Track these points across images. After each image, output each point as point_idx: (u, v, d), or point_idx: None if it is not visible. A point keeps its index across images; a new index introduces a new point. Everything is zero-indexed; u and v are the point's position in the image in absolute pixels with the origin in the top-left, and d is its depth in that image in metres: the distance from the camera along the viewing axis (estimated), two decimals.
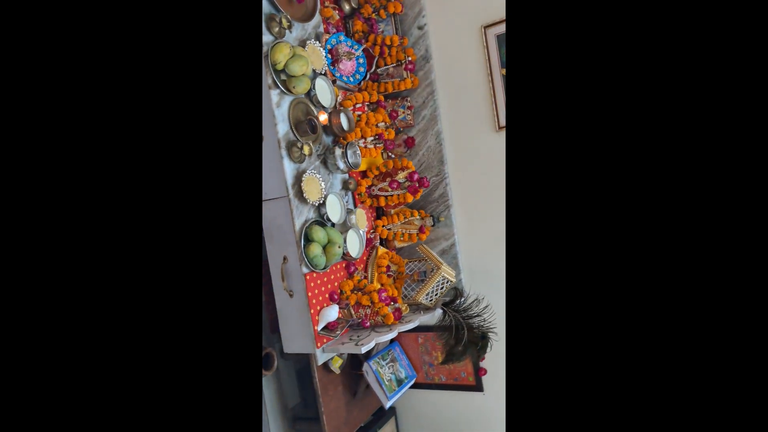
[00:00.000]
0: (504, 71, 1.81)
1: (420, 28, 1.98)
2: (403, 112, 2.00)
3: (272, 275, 1.58)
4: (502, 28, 1.80)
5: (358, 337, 1.54)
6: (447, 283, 1.77)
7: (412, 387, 2.04)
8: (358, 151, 1.70)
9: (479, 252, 1.95)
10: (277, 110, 1.49)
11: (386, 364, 1.92)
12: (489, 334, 1.71)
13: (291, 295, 1.53)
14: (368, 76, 1.93)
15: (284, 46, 1.49)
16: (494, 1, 1.81)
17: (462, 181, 1.98)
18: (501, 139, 1.86)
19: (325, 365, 1.69)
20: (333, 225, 1.64)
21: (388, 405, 1.82)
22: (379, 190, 1.88)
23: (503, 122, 1.84)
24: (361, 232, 1.76)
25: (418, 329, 1.92)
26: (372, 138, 1.85)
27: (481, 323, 1.70)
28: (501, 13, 1.81)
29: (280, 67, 1.49)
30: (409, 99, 2.00)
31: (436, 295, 1.76)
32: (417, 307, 1.82)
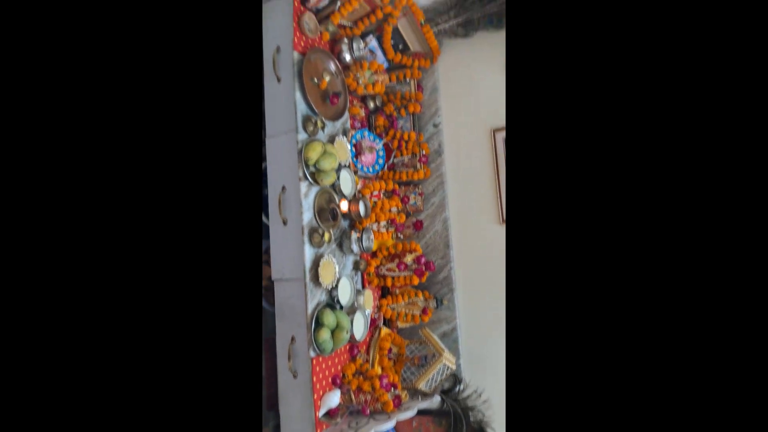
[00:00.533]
0: None
1: (435, 125, 2.18)
2: (414, 198, 2.16)
3: (278, 353, 1.66)
4: None
5: (356, 424, 1.59)
6: (447, 370, 1.84)
7: None
8: (372, 236, 1.83)
9: (479, 338, 2.03)
10: (305, 200, 1.64)
11: None
12: (487, 429, 1.76)
13: (295, 376, 1.60)
14: (386, 167, 2.11)
15: (317, 145, 1.66)
16: (503, 109, 2.02)
17: (466, 267, 2.09)
18: (504, 231, 2.00)
19: None
20: (342, 307, 1.73)
21: None
22: (387, 270, 2.00)
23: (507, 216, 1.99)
24: (366, 312, 1.86)
25: None
26: (385, 222, 2.00)
27: (480, 417, 1.75)
28: None
29: (311, 163, 1.66)
30: (420, 186, 2.17)
31: (435, 381, 1.83)
32: (416, 393, 1.88)
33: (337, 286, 1.71)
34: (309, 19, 1.84)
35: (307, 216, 1.65)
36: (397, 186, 2.11)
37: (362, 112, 2.08)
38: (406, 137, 2.12)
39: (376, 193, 1.99)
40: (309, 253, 1.63)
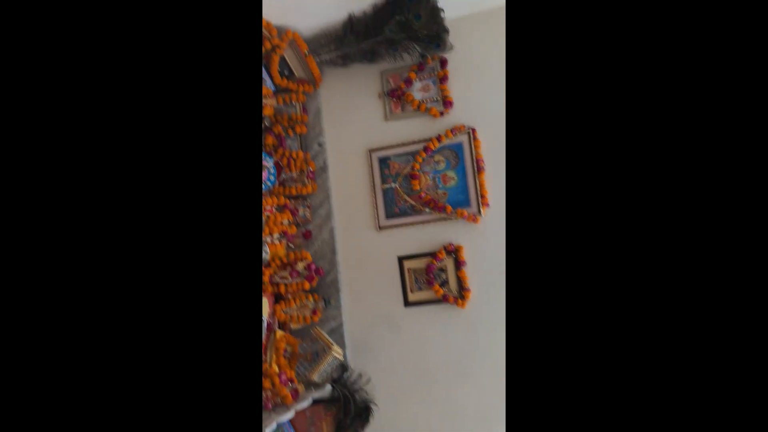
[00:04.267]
0: (384, 186, 2.33)
1: (320, 145, 2.44)
2: (303, 210, 2.39)
3: None
4: (383, 153, 2.34)
5: None
6: (336, 362, 2.09)
7: None
8: (267, 249, 2.01)
9: (362, 330, 2.32)
10: None
11: None
12: (371, 405, 2.05)
13: None
14: (277, 182, 2.30)
15: None
16: (378, 132, 2.36)
17: (349, 269, 2.38)
18: (380, 237, 2.33)
19: None
20: None
21: None
22: (280, 278, 2.18)
23: (382, 224, 2.32)
24: (263, 318, 2.02)
25: None
26: (278, 234, 2.18)
27: (365, 396, 2.04)
28: (383, 140, 2.34)
29: None
30: (308, 200, 2.40)
31: (327, 373, 2.07)
32: (310, 384, 2.10)
33: None
34: None
35: None
36: (288, 201, 2.31)
37: None
38: (294, 155, 2.34)
39: (268, 207, 2.17)
40: None
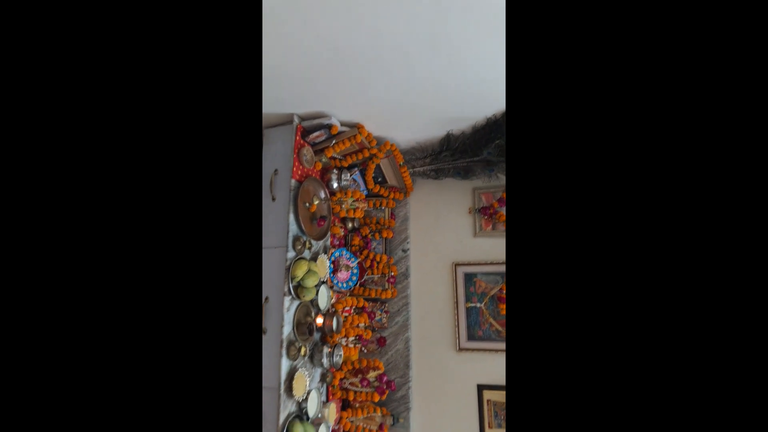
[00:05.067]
0: (468, 305, 2.26)
1: (404, 251, 2.47)
2: (380, 314, 2.36)
3: None
4: (469, 269, 2.30)
5: None
6: None
7: None
8: (342, 352, 1.98)
9: None
10: (286, 314, 1.80)
11: None
12: None
13: None
14: (358, 283, 2.33)
15: (303, 264, 1.87)
16: (466, 248, 2.35)
17: (423, 389, 2.24)
18: (460, 358, 2.21)
19: None
20: (308, 419, 1.81)
21: None
22: (350, 384, 2.11)
23: (462, 345, 2.21)
24: (329, 425, 1.93)
25: None
26: (353, 338, 2.16)
27: None
28: (471, 256, 2.32)
29: (297, 280, 1.85)
30: (386, 305, 2.38)
31: None
32: None
33: (307, 398, 1.80)
34: (307, 152, 2.16)
35: (287, 329, 1.80)
36: (366, 303, 2.31)
37: (342, 232, 2.34)
38: (378, 258, 2.38)
39: (347, 308, 2.18)
40: (285, 365, 1.75)
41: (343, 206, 2.27)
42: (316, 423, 1.84)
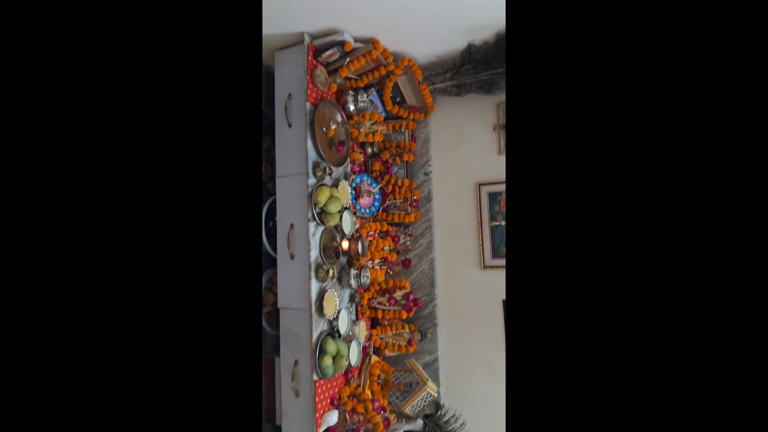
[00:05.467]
0: (492, 223, 2.25)
1: (426, 174, 2.43)
2: (404, 238, 2.39)
3: (282, 374, 1.82)
4: (494, 188, 2.26)
5: None
6: (430, 397, 2.03)
7: None
8: (368, 274, 2.03)
9: (458, 369, 2.24)
10: (312, 239, 1.83)
11: None
12: None
13: (297, 396, 1.76)
14: (381, 208, 2.33)
15: (325, 190, 1.86)
16: (490, 166, 2.28)
17: (448, 305, 2.31)
18: (484, 276, 2.24)
19: None
20: (340, 336, 1.91)
21: None
22: (378, 303, 2.19)
23: (487, 263, 2.24)
24: (360, 341, 2.04)
25: None
26: (378, 260, 2.20)
27: None
28: (495, 175, 2.27)
29: (320, 206, 1.86)
30: (410, 228, 2.39)
31: (419, 407, 2.02)
32: (401, 416, 2.06)
33: (337, 317, 1.89)
34: (320, 73, 2.06)
35: (314, 253, 1.84)
36: (390, 228, 2.33)
37: (361, 158, 2.30)
38: (399, 183, 2.35)
39: (371, 233, 2.20)
40: (314, 286, 1.81)
41: (361, 130, 2.21)
42: (348, 340, 1.94)
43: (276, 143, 1.99)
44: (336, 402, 1.84)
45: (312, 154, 1.92)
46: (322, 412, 1.76)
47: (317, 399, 1.74)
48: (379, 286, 2.22)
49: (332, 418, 1.75)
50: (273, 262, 1.97)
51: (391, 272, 2.36)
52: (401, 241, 2.37)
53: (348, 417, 1.82)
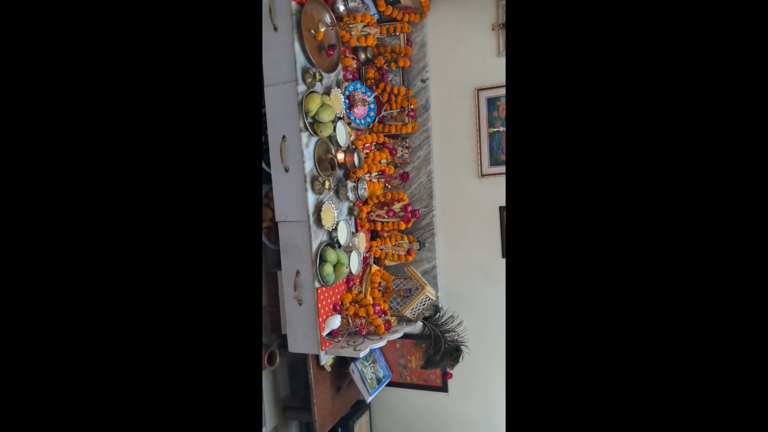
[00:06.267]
0: (490, 130, 2.18)
1: (423, 81, 2.32)
2: (402, 151, 2.34)
3: (284, 285, 1.87)
4: (492, 93, 2.16)
5: (354, 342, 1.85)
6: (428, 300, 2.11)
7: (386, 385, 2.37)
8: (365, 186, 2.01)
9: (455, 276, 2.31)
10: (306, 150, 1.79)
11: (369, 364, 2.24)
12: (462, 347, 2.07)
13: (300, 304, 1.83)
14: (377, 119, 2.25)
15: (316, 97, 1.78)
16: (489, 70, 2.17)
17: (446, 215, 2.33)
18: (481, 184, 2.23)
19: (317, 362, 2.00)
20: (340, 246, 1.94)
21: (369, 399, 2.15)
22: (377, 216, 2.20)
23: (485, 171, 2.21)
24: (360, 251, 2.08)
25: None
26: (376, 173, 2.17)
27: (456, 337, 2.06)
28: (494, 79, 2.16)
29: (311, 114, 1.79)
30: (407, 140, 2.33)
31: (418, 310, 2.10)
32: (401, 319, 2.16)
33: (336, 228, 1.90)
34: None
35: (309, 165, 1.80)
36: (387, 139, 2.26)
37: (354, 64, 2.17)
38: (395, 91, 2.25)
39: (368, 145, 2.15)
40: (311, 199, 1.80)
41: (353, 33, 2.06)
42: (348, 251, 1.98)
43: (262, 50, 1.87)
44: (338, 307, 1.92)
45: (300, 59, 1.81)
46: (325, 317, 1.84)
47: (320, 305, 1.81)
48: (378, 199, 2.21)
49: (335, 321, 1.82)
50: (268, 177, 1.95)
51: (389, 186, 2.34)
52: (399, 154, 2.32)
53: (350, 321, 1.90)
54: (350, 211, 2.08)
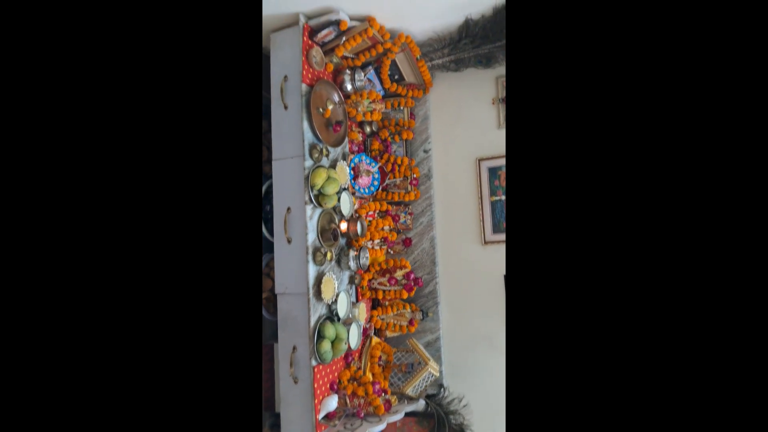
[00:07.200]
0: (492, 198, 2.20)
1: (426, 151, 2.38)
2: (404, 217, 2.35)
3: (280, 360, 1.82)
4: (493, 162, 2.21)
5: (352, 426, 1.76)
6: (432, 377, 2.03)
7: None
8: (368, 254, 2.01)
9: (460, 348, 2.23)
10: (309, 222, 1.81)
11: None
12: (467, 430, 1.97)
13: (296, 382, 1.77)
14: (380, 188, 2.29)
15: (322, 171, 1.83)
16: (490, 140, 2.23)
17: (450, 283, 2.29)
18: (485, 252, 2.21)
19: None
20: (339, 320, 1.91)
21: None
22: (378, 284, 2.18)
23: (488, 238, 2.20)
24: (360, 323, 2.03)
25: None
26: (378, 240, 2.18)
27: (461, 420, 1.96)
28: (495, 150, 2.21)
29: (317, 188, 1.82)
30: (410, 207, 2.36)
31: (421, 387, 2.02)
32: (403, 397, 2.07)
33: (336, 300, 1.88)
34: (316, 53, 2.00)
35: (311, 236, 1.81)
36: (389, 206, 2.29)
37: (360, 137, 2.25)
38: (399, 161, 2.31)
39: (371, 213, 2.17)
40: (312, 270, 1.79)
41: (359, 109, 2.15)
42: (347, 323, 1.94)
43: (272, 126, 1.95)
44: (336, 386, 1.85)
45: (308, 136, 1.88)
46: (321, 397, 1.77)
47: (316, 385, 1.74)
48: (380, 267, 2.20)
49: (331, 403, 1.75)
50: (270, 247, 1.96)
51: (392, 252, 2.34)
52: (401, 220, 2.34)
53: (348, 401, 1.83)
54: (351, 280, 2.07)
